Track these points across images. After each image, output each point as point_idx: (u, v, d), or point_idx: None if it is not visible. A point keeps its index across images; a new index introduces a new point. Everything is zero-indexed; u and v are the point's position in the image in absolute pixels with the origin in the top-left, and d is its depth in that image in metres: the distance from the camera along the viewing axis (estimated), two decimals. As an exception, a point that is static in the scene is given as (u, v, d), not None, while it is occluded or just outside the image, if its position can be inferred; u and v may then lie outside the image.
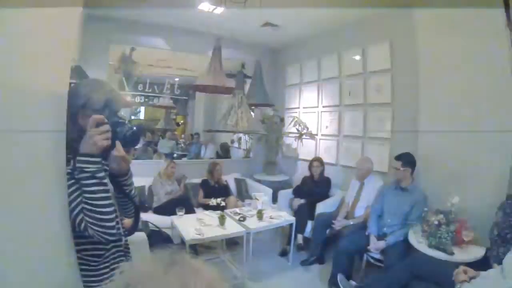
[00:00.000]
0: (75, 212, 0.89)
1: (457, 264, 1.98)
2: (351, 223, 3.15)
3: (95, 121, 0.87)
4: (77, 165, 0.87)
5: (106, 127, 0.88)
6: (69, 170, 0.90)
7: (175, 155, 6.89)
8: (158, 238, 2.70)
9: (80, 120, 0.94)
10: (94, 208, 0.87)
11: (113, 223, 0.92)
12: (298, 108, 5.03)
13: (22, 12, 0.58)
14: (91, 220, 0.87)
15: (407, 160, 2.78)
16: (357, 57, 3.93)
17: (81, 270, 0.95)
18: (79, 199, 0.89)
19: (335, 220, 3.22)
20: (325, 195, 3.80)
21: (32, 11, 0.61)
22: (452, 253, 2.15)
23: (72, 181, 0.89)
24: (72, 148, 0.92)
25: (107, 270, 1.01)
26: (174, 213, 3.12)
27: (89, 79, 1.08)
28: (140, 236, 2.31)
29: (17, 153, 0.59)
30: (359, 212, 3.22)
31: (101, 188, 0.89)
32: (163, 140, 7.82)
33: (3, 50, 0.53)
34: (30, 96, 0.64)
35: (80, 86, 1.00)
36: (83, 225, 0.88)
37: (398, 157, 2.82)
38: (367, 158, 3.35)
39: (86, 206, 0.88)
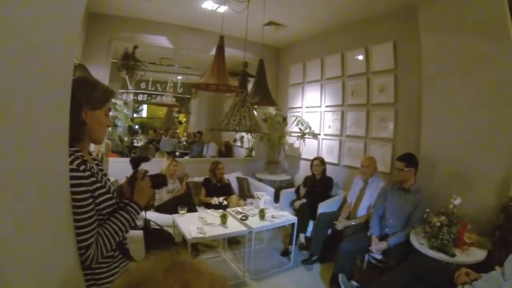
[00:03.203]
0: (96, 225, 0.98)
1: (458, 266, 1.98)
2: (353, 223, 3.14)
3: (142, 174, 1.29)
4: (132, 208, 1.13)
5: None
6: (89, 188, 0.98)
7: (177, 153, 6.91)
8: (159, 237, 2.70)
9: (84, 115, 1.02)
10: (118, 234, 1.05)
11: None
12: (301, 107, 5.03)
13: (24, 9, 0.58)
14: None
15: (410, 161, 2.77)
16: (360, 57, 3.92)
17: (94, 269, 0.98)
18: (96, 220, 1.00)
19: (336, 221, 3.22)
20: (327, 195, 3.80)
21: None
22: (453, 255, 2.15)
23: (91, 200, 0.98)
24: (72, 143, 0.97)
25: (117, 269, 1.06)
26: (176, 212, 3.13)
27: (84, 76, 1.16)
28: (141, 234, 2.32)
29: (19, 150, 0.59)
30: (362, 212, 3.22)
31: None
32: (165, 138, 7.85)
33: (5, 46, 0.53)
34: (32, 93, 0.64)
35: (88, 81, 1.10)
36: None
37: (401, 158, 2.81)
38: (372, 157, 3.34)
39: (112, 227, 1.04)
